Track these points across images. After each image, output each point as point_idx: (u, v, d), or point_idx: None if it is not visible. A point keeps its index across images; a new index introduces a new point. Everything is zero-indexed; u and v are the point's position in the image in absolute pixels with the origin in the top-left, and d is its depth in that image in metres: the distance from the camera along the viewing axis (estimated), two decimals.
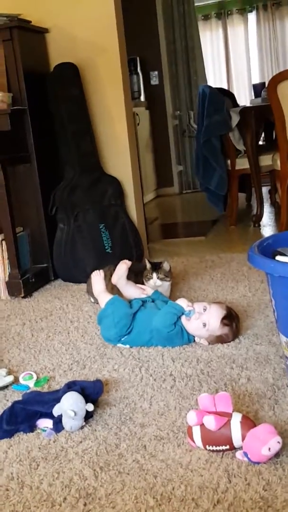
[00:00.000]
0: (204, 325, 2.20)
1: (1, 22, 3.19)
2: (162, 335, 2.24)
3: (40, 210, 3.46)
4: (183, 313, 2.22)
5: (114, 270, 2.86)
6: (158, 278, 2.69)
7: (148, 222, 4.38)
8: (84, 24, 3.57)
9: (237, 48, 8.23)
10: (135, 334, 2.29)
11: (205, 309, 2.22)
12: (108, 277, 2.86)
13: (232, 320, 2.26)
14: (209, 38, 8.24)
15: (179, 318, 2.24)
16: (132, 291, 2.56)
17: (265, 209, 4.79)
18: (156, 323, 2.24)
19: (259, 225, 4.58)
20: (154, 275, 2.69)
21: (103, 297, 2.45)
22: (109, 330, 2.32)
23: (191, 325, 2.22)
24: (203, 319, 2.20)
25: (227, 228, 4.73)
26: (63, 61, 3.52)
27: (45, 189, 3.45)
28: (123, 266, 2.60)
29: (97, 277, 2.58)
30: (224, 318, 2.22)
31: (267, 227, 4.55)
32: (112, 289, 2.84)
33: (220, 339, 2.23)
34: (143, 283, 2.76)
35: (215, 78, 8.16)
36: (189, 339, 2.26)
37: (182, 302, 2.24)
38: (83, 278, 3.13)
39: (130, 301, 2.43)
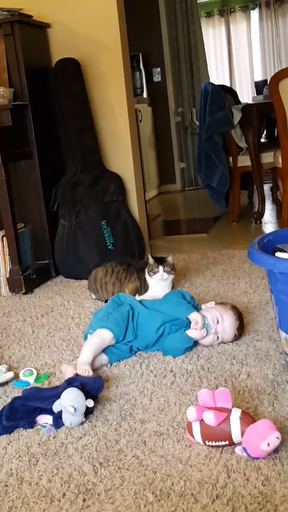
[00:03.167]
0: (218, 338, 2.17)
1: (2, 16, 3.18)
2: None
3: (41, 206, 3.46)
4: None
5: (116, 266, 2.87)
6: (164, 271, 2.68)
7: (150, 219, 4.38)
8: (86, 20, 3.56)
9: (240, 45, 8.21)
10: (140, 338, 2.21)
11: (217, 322, 2.16)
12: (109, 274, 2.86)
13: (242, 326, 2.24)
14: (212, 35, 8.22)
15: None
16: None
17: (266, 206, 4.80)
18: (166, 351, 2.17)
19: (261, 222, 4.58)
20: (161, 268, 2.67)
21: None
22: None
23: (206, 340, 2.17)
24: (218, 334, 2.15)
25: (229, 225, 4.72)
26: (64, 56, 3.52)
27: (47, 185, 3.44)
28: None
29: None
30: (237, 328, 2.20)
31: (269, 224, 4.54)
32: (114, 284, 2.84)
33: (226, 342, 2.22)
34: (145, 280, 2.75)
35: (217, 75, 8.14)
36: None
37: (192, 333, 2.14)
38: (85, 274, 3.13)
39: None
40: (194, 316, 2.16)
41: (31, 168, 3.39)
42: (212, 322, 2.15)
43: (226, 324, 2.17)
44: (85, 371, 2.00)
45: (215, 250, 3.80)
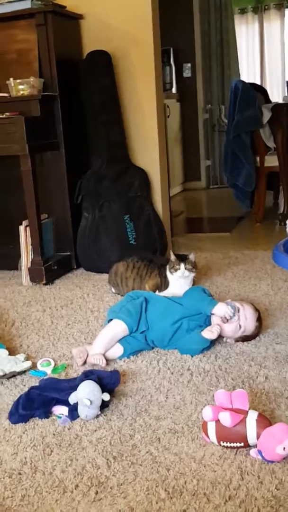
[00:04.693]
0: (240, 327, 2.17)
1: (36, 6, 3.18)
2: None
3: (65, 198, 3.46)
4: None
5: (137, 261, 2.87)
6: (186, 269, 2.67)
7: (173, 216, 4.36)
8: (119, 13, 3.55)
9: (273, 43, 8.13)
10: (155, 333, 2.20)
11: (239, 310, 2.17)
12: (130, 269, 2.86)
13: (261, 320, 2.25)
14: (245, 32, 8.15)
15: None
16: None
17: None
18: (182, 350, 2.16)
19: (285, 224, 4.53)
20: (182, 265, 2.66)
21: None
22: None
23: (229, 328, 2.17)
24: (241, 322, 2.16)
25: (253, 225, 4.69)
26: (96, 48, 3.51)
27: (72, 177, 3.45)
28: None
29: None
30: (257, 319, 2.21)
31: None
32: (134, 280, 2.84)
33: (247, 338, 2.21)
34: (165, 277, 2.75)
35: (248, 73, 8.07)
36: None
37: (207, 335, 2.11)
38: (105, 268, 3.13)
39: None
40: (220, 310, 2.16)
41: (57, 160, 3.39)
42: (235, 312, 2.15)
43: (247, 311, 2.18)
44: (99, 360, 2.04)
45: (237, 250, 3.78)
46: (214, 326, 2.12)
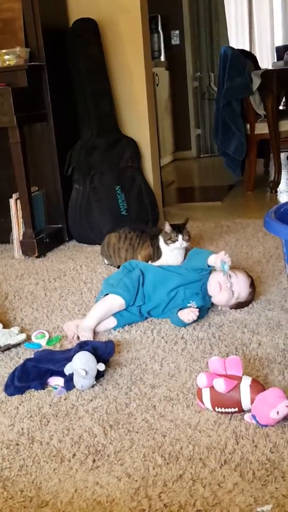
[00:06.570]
0: (233, 293, 2.17)
1: None
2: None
3: (56, 170, 3.43)
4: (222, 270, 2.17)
5: (129, 232, 2.86)
6: (183, 239, 2.65)
7: (164, 186, 4.34)
8: None
9: (261, 9, 8.01)
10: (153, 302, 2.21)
11: (231, 277, 2.17)
12: (123, 240, 2.86)
13: (254, 287, 2.26)
14: None
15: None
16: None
17: (283, 175, 4.74)
18: (173, 322, 2.17)
19: (276, 191, 4.53)
20: (180, 237, 2.63)
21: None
22: None
23: (223, 296, 2.16)
24: (234, 290, 2.17)
25: (244, 194, 4.68)
26: (82, 16, 3.44)
27: (62, 149, 3.41)
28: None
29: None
30: (250, 285, 2.21)
31: (284, 194, 4.49)
32: (127, 250, 2.84)
33: (241, 305, 2.22)
34: (158, 247, 2.74)
35: (237, 39, 7.96)
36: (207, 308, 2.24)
37: (183, 317, 2.08)
38: (98, 239, 3.13)
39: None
40: (214, 259, 2.19)
41: (46, 131, 3.35)
42: (227, 277, 2.15)
43: (240, 278, 2.18)
44: (86, 337, 2.04)
45: (229, 218, 3.78)
46: (192, 311, 2.09)
